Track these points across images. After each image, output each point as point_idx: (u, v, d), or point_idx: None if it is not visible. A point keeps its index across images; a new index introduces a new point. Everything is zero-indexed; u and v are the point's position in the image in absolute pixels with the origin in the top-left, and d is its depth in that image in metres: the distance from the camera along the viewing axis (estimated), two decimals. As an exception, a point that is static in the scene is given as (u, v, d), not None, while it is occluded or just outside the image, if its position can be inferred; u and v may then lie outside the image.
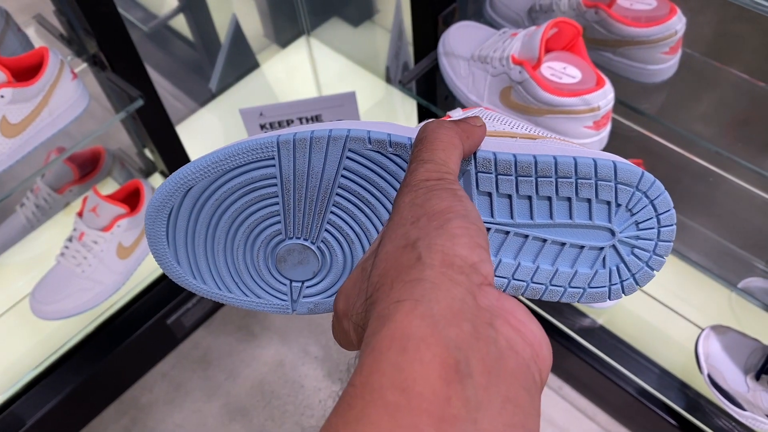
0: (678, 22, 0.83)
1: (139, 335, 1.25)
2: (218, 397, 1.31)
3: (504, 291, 0.40)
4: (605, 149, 0.83)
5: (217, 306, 1.41)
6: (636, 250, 0.40)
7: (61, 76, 0.90)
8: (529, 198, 0.39)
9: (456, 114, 0.46)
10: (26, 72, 0.89)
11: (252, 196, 0.41)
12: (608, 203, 0.38)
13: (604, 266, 0.40)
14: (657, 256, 0.40)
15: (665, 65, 0.87)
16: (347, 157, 0.40)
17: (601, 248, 0.40)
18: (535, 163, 0.38)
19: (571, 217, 0.39)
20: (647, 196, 0.38)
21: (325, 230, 0.42)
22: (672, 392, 1.09)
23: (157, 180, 1.30)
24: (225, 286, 0.43)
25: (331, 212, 0.41)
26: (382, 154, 0.40)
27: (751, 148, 0.92)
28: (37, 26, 1.10)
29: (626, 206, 0.38)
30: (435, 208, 0.33)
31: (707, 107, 1.00)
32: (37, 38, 1.07)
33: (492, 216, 0.39)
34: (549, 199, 0.39)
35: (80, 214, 1.09)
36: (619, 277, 0.40)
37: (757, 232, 1.06)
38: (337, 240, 0.42)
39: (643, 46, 0.85)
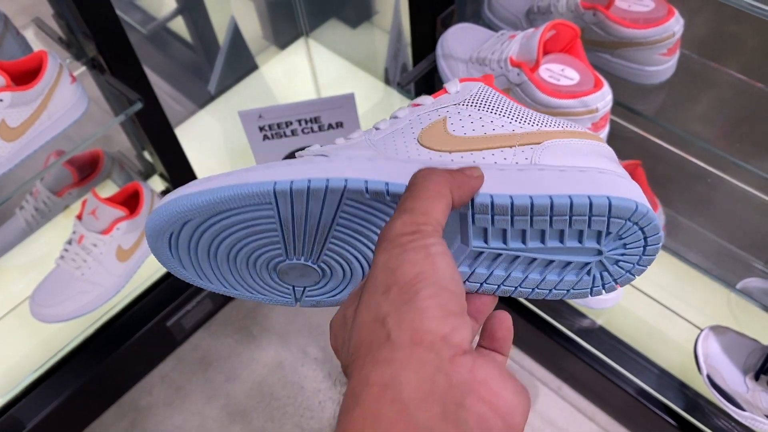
0: (676, 24, 0.83)
1: (139, 337, 1.25)
2: (218, 399, 1.32)
3: (494, 294, 0.42)
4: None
5: (216, 308, 1.41)
6: (620, 263, 0.41)
7: (60, 80, 0.90)
8: (524, 230, 0.40)
9: (425, 101, 0.45)
10: (25, 75, 0.89)
11: (250, 230, 0.41)
12: (599, 232, 0.40)
13: (588, 274, 0.42)
14: (640, 267, 0.42)
15: (663, 66, 0.87)
16: (345, 204, 0.40)
17: (588, 263, 0.41)
18: (531, 205, 0.38)
19: (562, 242, 0.40)
20: (638, 225, 0.39)
21: (325, 254, 0.43)
22: (671, 392, 1.09)
23: (156, 182, 1.30)
24: (230, 285, 0.45)
25: (330, 242, 0.42)
26: (380, 202, 0.40)
27: (749, 149, 0.92)
28: (35, 29, 1.10)
29: (617, 233, 0.40)
30: (406, 276, 0.33)
31: (705, 108, 1.00)
32: (35, 41, 1.07)
33: (486, 243, 0.40)
34: (542, 230, 0.40)
35: (79, 217, 1.09)
36: (602, 281, 0.42)
37: (755, 233, 1.06)
38: (337, 261, 0.43)
39: (641, 47, 0.85)
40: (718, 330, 1.00)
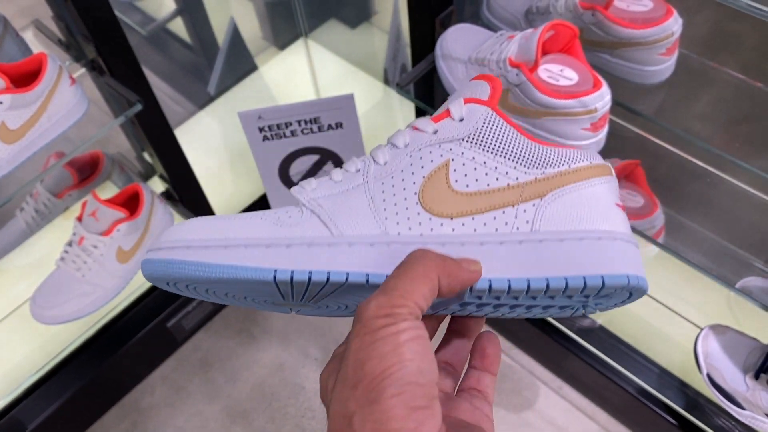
0: (674, 24, 0.83)
1: (140, 339, 1.26)
2: (219, 400, 1.32)
3: (482, 316, 0.46)
4: (603, 151, 0.84)
5: (217, 309, 1.41)
6: (601, 306, 0.45)
7: (59, 82, 0.90)
8: (516, 298, 0.42)
9: (426, 127, 0.44)
10: (25, 78, 0.89)
11: (248, 289, 0.42)
12: (588, 296, 0.42)
13: (572, 307, 0.44)
14: (621, 305, 0.45)
15: (662, 66, 0.87)
16: (346, 287, 0.41)
17: (572, 305, 0.44)
18: (528, 287, 0.40)
19: (552, 299, 0.42)
20: (629, 290, 0.41)
21: (324, 301, 0.44)
22: (671, 391, 1.09)
23: (156, 183, 1.31)
24: (228, 301, 0.46)
25: (329, 298, 0.43)
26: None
27: (749, 148, 0.92)
28: (35, 31, 1.10)
29: (606, 295, 0.42)
30: (373, 371, 0.34)
31: (704, 108, 1.00)
32: (35, 43, 1.07)
33: (479, 299, 0.42)
34: (535, 296, 0.41)
35: (80, 219, 1.09)
36: (584, 309, 0.45)
37: (755, 232, 1.06)
38: (334, 305, 0.45)
39: (640, 47, 0.85)
40: (718, 329, 1.00)
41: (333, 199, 0.43)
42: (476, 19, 1.01)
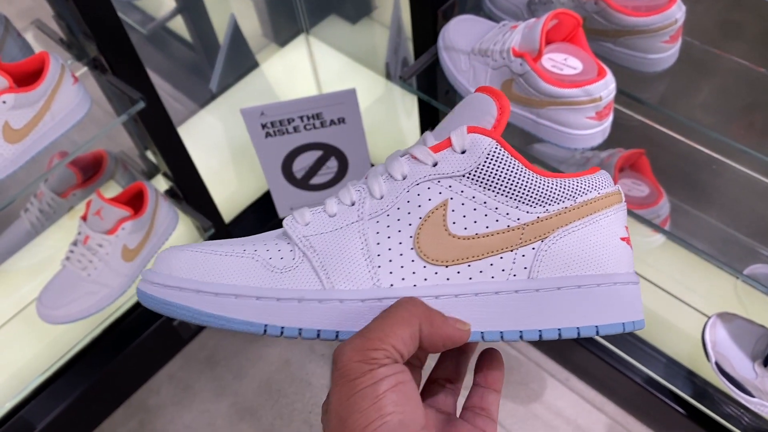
0: (678, 11, 0.83)
1: (146, 337, 1.26)
2: (226, 397, 1.32)
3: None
4: (607, 140, 0.83)
5: (222, 306, 1.41)
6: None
7: (62, 81, 0.90)
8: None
9: (426, 158, 0.41)
10: (27, 77, 0.89)
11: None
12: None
13: None
14: None
15: (666, 54, 0.87)
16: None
17: None
18: (521, 337, 0.40)
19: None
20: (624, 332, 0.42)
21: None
22: (680, 381, 1.09)
23: (160, 182, 1.30)
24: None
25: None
26: None
27: (754, 135, 0.92)
28: (36, 31, 1.10)
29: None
30: (355, 427, 0.34)
31: (708, 95, 1.00)
32: (36, 43, 1.07)
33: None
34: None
35: (84, 218, 1.09)
36: None
37: (761, 219, 1.06)
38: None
39: (644, 35, 0.85)
40: (725, 317, 1.00)
41: (326, 239, 0.41)
42: (478, 10, 1.00)
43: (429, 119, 1.08)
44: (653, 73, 0.89)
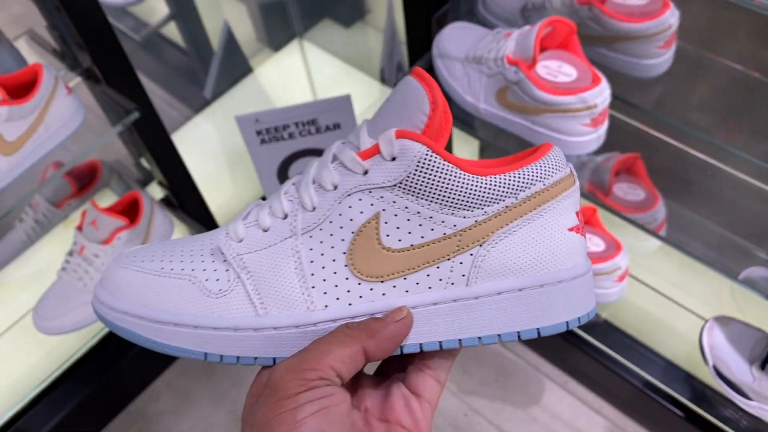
0: (671, 16, 0.83)
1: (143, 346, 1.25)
2: (224, 405, 1.32)
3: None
4: (603, 144, 0.84)
5: (219, 313, 1.40)
6: None
7: (56, 92, 0.90)
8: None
9: (354, 166, 0.38)
10: (21, 89, 0.89)
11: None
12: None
13: None
14: None
15: (660, 59, 0.87)
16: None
17: None
18: (460, 344, 0.40)
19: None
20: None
21: None
22: (677, 384, 1.09)
23: (155, 190, 1.30)
24: None
25: None
26: None
27: (748, 139, 0.92)
28: (28, 41, 1.09)
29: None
30: None
31: (703, 99, 1.00)
32: (29, 53, 1.06)
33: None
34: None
35: (80, 228, 1.09)
36: None
37: (756, 222, 1.06)
38: None
39: (638, 41, 0.85)
40: (722, 320, 1.00)
41: (260, 258, 0.40)
42: (472, 16, 1.00)
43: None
44: (648, 78, 0.89)
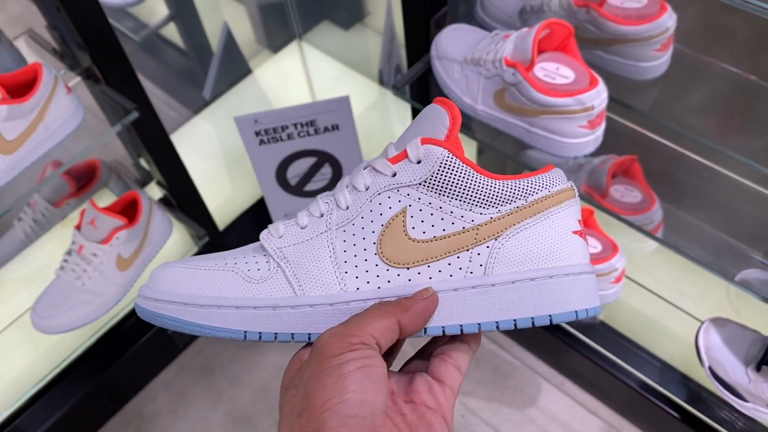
0: (669, 19, 0.84)
1: (141, 345, 1.26)
2: (222, 405, 1.32)
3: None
4: (600, 146, 0.84)
5: (217, 313, 1.40)
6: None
7: (55, 91, 0.90)
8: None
9: (385, 169, 0.44)
10: (20, 88, 0.89)
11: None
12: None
13: None
14: None
15: (657, 62, 0.87)
16: None
17: None
18: (479, 329, 0.44)
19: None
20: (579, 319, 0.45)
21: None
22: (673, 385, 1.10)
23: (153, 190, 1.30)
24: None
25: None
26: None
27: (744, 141, 0.92)
28: (28, 41, 1.10)
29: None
30: (316, 402, 0.37)
31: (700, 102, 1.00)
32: (29, 52, 1.06)
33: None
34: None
35: (78, 227, 1.09)
36: None
37: (753, 224, 1.06)
38: None
39: (635, 43, 0.85)
40: (718, 322, 1.00)
41: (298, 249, 0.45)
42: (470, 18, 1.01)
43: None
44: (645, 80, 0.90)
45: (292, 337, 0.44)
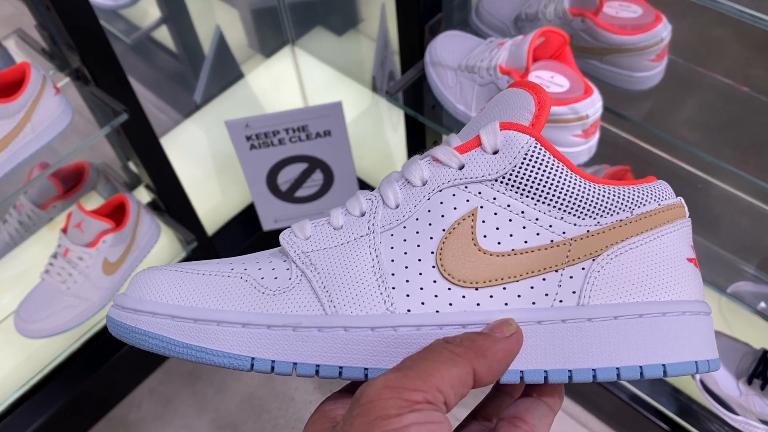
0: (664, 30, 0.83)
1: (126, 351, 1.24)
2: (207, 413, 1.30)
3: None
4: (594, 156, 0.83)
5: (205, 319, 1.39)
6: None
7: (43, 92, 0.89)
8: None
9: (450, 159, 0.35)
10: (8, 88, 0.88)
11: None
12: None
13: None
14: None
15: (652, 72, 0.87)
16: None
17: None
18: (570, 377, 0.33)
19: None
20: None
21: None
22: (664, 398, 1.09)
23: (142, 193, 1.29)
24: None
25: None
26: None
27: (737, 153, 0.92)
28: (17, 40, 1.08)
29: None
30: None
31: (693, 113, 1.00)
32: (17, 52, 1.05)
33: None
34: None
35: (65, 230, 1.07)
36: None
37: (745, 237, 1.06)
38: None
39: (630, 53, 0.85)
40: (709, 334, 1.00)
41: (329, 255, 0.35)
42: (465, 25, 1.00)
43: (415, 133, 1.07)
44: (639, 91, 0.89)
45: (317, 371, 0.33)
